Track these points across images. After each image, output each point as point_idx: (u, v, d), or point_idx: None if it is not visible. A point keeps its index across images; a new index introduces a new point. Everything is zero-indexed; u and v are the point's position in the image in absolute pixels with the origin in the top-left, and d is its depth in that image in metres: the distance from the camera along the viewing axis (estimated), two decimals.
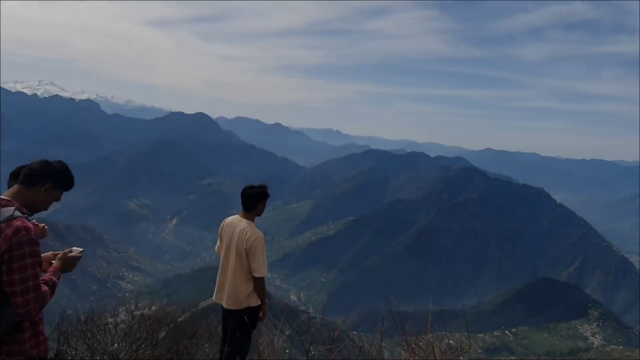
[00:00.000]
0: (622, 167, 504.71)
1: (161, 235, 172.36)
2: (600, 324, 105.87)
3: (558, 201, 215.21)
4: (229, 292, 5.02)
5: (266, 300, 5.25)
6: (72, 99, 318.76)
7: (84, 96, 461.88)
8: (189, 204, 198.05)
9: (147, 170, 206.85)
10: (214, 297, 5.23)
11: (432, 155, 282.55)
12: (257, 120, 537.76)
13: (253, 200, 5.05)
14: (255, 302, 5.09)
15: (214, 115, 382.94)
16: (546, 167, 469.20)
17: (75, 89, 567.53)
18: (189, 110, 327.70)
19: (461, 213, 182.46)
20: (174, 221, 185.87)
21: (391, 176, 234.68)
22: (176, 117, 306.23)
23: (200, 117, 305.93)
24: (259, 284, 5.09)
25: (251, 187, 5.08)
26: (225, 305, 5.13)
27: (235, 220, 5.13)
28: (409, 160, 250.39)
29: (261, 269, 4.97)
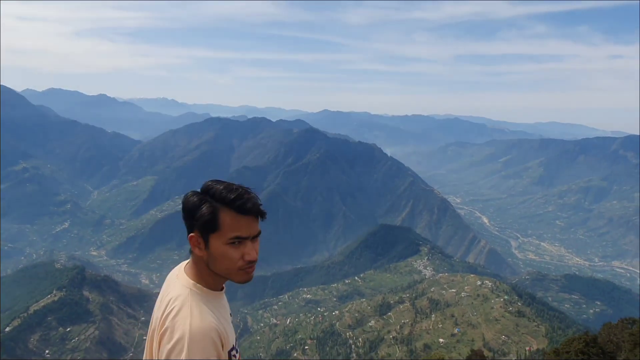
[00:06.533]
0: (437, 120, 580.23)
1: None
2: (430, 258, 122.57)
3: (389, 155, 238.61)
4: None
5: None
6: None
7: None
8: (1, 195, 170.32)
9: None
10: None
11: (274, 119, 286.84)
12: (76, 92, 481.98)
13: (194, 224, 2.48)
14: None
15: (19, 88, 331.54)
16: (377, 124, 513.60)
17: None
18: None
19: (306, 174, 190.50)
20: None
21: (235, 144, 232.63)
22: None
23: (1, 90, 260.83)
24: None
25: (194, 194, 2.49)
26: None
27: (172, 278, 2.69)
28: (252, 127, 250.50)
29: None
